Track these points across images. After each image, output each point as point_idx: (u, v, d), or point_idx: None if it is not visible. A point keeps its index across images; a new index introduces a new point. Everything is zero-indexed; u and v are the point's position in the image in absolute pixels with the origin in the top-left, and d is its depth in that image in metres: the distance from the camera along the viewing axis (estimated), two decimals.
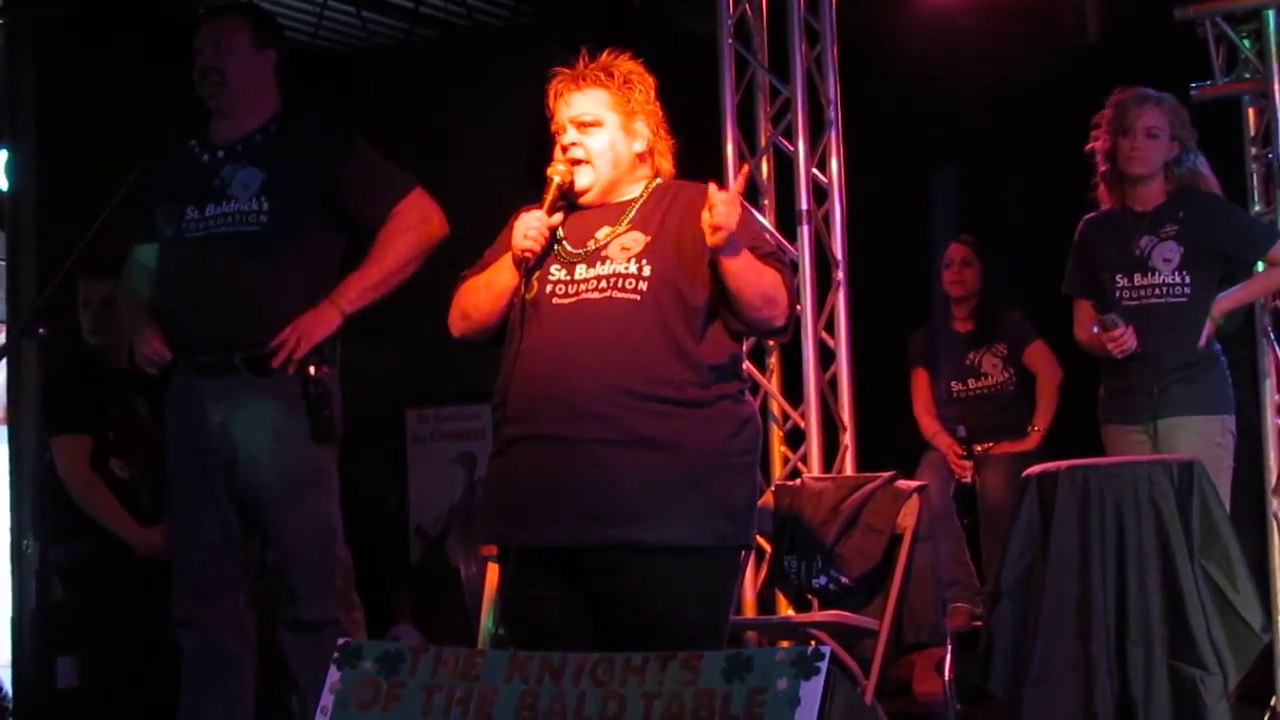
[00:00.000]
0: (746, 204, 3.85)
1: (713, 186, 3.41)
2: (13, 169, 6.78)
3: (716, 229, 3.37)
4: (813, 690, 2.73)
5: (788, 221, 5.87)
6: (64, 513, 5.11)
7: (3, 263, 7.04)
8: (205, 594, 4.18)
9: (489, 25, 7.58)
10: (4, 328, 7.61)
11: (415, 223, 4.23)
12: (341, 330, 4.20)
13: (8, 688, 6.24)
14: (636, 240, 3.57)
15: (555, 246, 3.63)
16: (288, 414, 4.11)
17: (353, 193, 4.22)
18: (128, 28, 6.66)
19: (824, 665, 2.75)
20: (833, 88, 5.94)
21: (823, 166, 5.93)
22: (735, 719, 2.77)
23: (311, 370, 4.08)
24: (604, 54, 3.68)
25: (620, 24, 6.49)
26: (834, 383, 5.90)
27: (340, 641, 3.14)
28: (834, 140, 5.94)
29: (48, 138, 6.64)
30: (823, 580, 4.88)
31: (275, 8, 7.11)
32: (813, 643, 4.55)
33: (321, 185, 4.19)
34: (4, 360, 4.58)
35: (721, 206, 3.36)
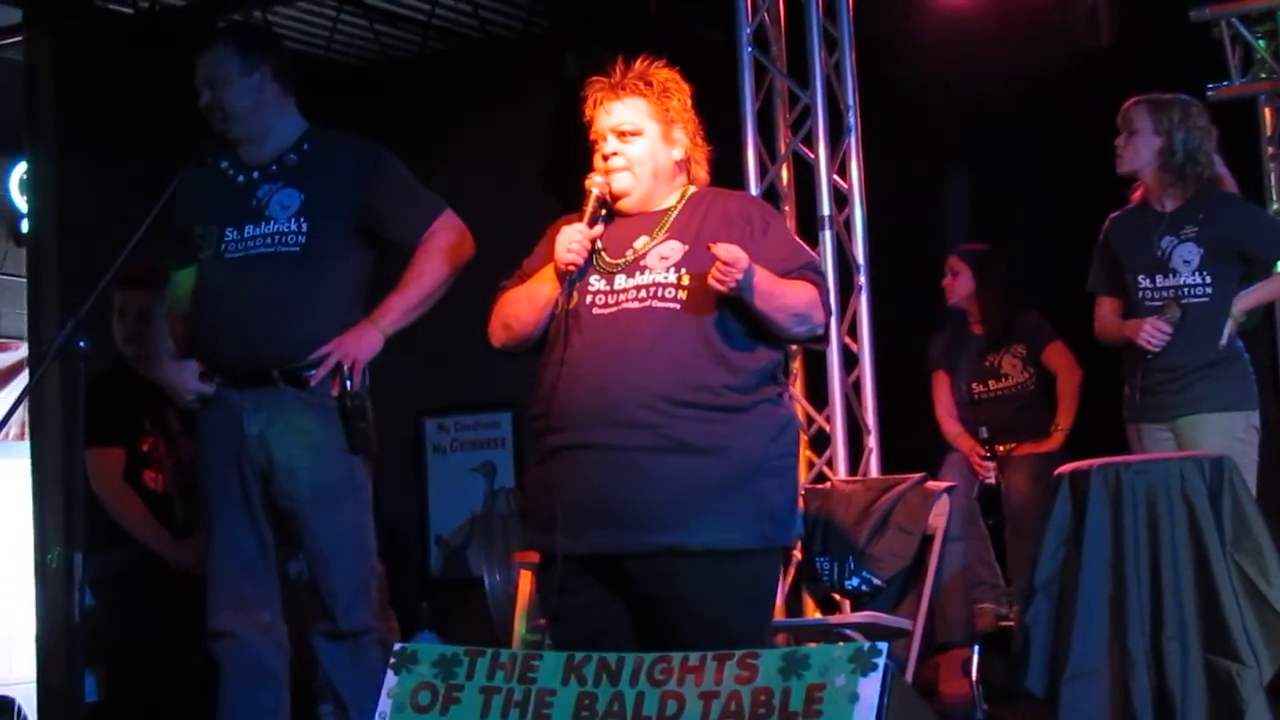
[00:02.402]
0: (777, 215, 3.87)
1: (717, 248, 3.42)
2: (33, 186, 6.80)
3: (719, 283, 3.43)
4: (871, 685, 2.76)
5: (809, 227, 5.88)
6: (97, 525, 5.11)
7: (24, 279, 7.05)
8: (241, 606, 4.19)
9: (501, 36, 7.60)
10: (23, 344, 7.61)
11: (450, 244, 4.25)
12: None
13: (26, 711, 6.24)
14: (674, 249, 3.61)
15: (594, 257, 3.65)
16: (324, 426, 4.14)
17: (389, 214, 4.26)
18: (146, 44, 6.67)
19: (882, 660, 2.78)
20: (851, 94, 5.94)
21: (843, 172, 5.94)
22: (794, 716, 2.80)
23: (349, 384, 4.12)
24: (638, 62, 3.71)
25: (635, 33, 6.51)
26: (857, 386, 5.92)
27: (396, 646, 3.17)
28: (854, 146, 5.94)
29: (68, 155, 6.67)
30: (856, 581, 4.92)
31: (288, 22, 7.15)
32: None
33: (358, 207, 4.23)
34: (25, 373, 4.59)
35: (720, 264, 3.40)
